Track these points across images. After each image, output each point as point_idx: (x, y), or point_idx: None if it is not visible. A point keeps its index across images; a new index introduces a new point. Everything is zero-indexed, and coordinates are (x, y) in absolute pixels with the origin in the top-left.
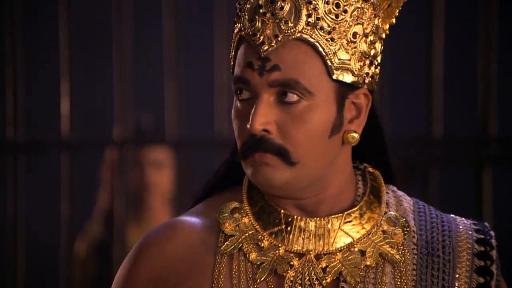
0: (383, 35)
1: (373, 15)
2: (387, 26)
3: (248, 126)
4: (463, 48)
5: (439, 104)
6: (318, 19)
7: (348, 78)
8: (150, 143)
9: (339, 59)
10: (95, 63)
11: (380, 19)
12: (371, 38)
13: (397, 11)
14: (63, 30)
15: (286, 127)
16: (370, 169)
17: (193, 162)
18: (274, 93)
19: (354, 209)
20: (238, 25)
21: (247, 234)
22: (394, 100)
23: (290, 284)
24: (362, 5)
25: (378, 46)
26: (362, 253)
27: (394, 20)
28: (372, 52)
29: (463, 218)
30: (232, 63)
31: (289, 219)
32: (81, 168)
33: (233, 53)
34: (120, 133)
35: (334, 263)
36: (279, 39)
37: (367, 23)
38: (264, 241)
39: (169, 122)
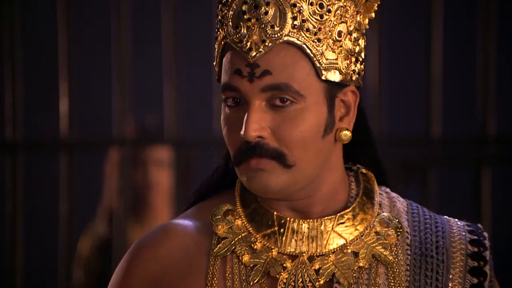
0: (364, 31)
1: (355, 12)
2: (367, 21)
3: (242, 133)
4: (462, 47)
5: (437, 103)
6: (303, 21)
7: (336, 77)
8: (150, 142)
9: (326, 59)
10: (94, 62)
11: (361, 15)
12: (355, 35)
13: (376, 5)
14: (61, 29)
15: (279, 130)
16: (363, 170)
17: (193, 162)
18: (265, 98)
19: (347, 210)
20: (222, 33)
21: (240, 236)
22: (393, 100)
23: (283, 286)
24: (345, 3)
25: (362, 42)
26: (355, 254)
27: (373, 15)
28: (357, 49)
29: (456, 220)
30: (217, 70)
31: (282, 221)
32: (80, 168)
33: (217, 60)
34: (120, 132)
35: (327, 265)
36: (267, 44)
37: (350, 20)
38: (257, 243)
39: (169, 122)
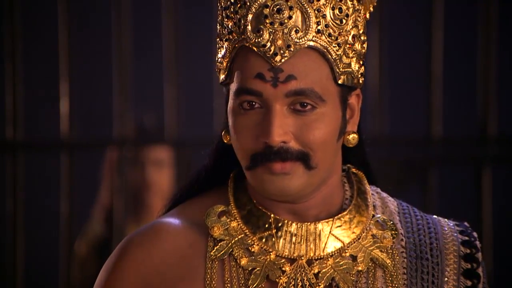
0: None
1: (364, 15)
2: None
3: (268, 138)
4: (463, 47)
5: (438, 103)
6: (326, 26)
7: (349, 81)
8: (150, 142)
9: (343, 64)
10: (94, 62)
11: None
12: (363, 38)
13: (371, 6)
14: (62, 29)
15: (302, 133)
16: (354, 170)
17: (193, 162)
18: (286, 103)
19: (344, 213)
20: (235, 35)
21: (236, 239)
22: (394, 100)
23: None
24: (358, 7)
25: (365, 45)
26: (354, 258)
27: (368, 16)
28: (363, 51)
29: (446, 219)
30: (224, 73)
31: (279, 224)
32: (80, 168)
33: (225, 64)
34: (120, 132)
35: (326, 269)
36: (292, 49)
37: (361, 24)
38: (254, 246)
39: (169, 122)
